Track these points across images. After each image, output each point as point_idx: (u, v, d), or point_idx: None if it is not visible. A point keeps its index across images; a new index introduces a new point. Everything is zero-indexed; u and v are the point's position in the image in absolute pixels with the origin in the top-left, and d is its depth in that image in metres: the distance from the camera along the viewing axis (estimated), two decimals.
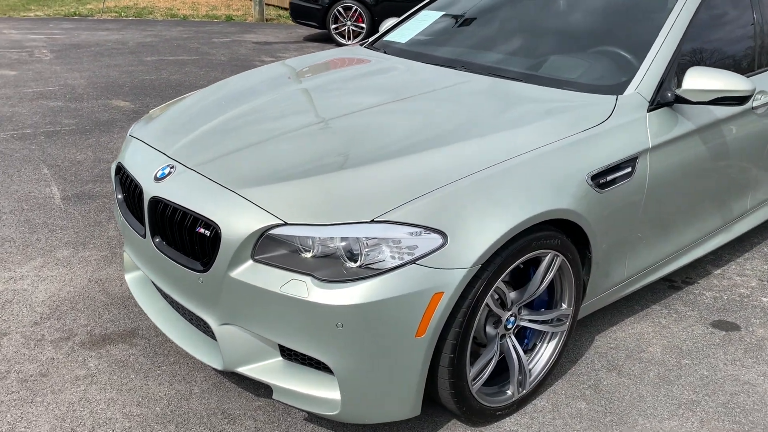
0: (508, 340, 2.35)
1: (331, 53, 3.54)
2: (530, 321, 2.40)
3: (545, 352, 2.50)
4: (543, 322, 2.44)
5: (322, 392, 2.06)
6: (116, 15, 12.89)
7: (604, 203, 2.39)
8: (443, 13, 3.60)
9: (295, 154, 2.28)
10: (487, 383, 2.36)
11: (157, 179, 2.29)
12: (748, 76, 3.09)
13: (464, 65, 3.01)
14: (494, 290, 2.16)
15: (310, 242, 1.96)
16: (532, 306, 2.44)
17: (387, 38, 3.63)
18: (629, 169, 2.47)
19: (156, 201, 2.26)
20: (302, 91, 2.91)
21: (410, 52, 3.33)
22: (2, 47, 9.17)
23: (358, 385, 2.01)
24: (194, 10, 13.97)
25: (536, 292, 2.32)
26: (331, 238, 1.94)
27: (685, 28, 2.78)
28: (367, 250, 1.93)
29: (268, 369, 2.15)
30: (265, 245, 2.01)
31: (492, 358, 2.27)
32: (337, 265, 1.95)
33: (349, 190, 2.05)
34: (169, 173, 2.28)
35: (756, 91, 2.60)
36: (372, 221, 1.95)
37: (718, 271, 3.53)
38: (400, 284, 1.91)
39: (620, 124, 2.49)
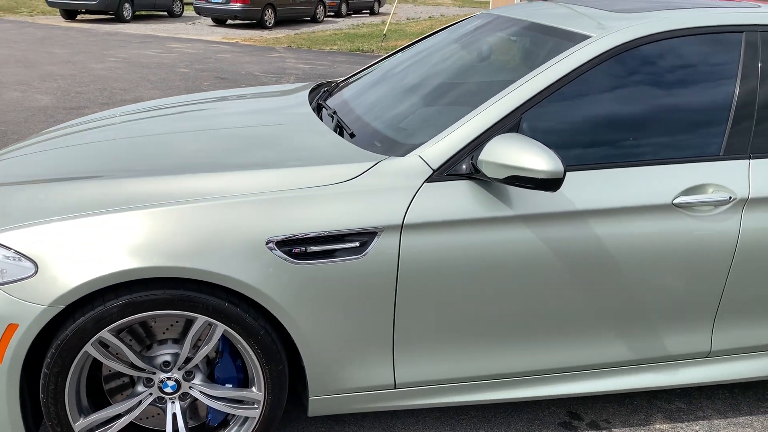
0: (170, 405, 2.10)
1: (270, 88, 3.50)
2: (201, 393, 2.10)
3: None
4: (223, 400, 2.11)
5: None
6: (386, 51, 14.01)
7: (306, 279, 1.99)
8: (391, 53, 3.29)
9: (53, 162, 2.36)
10: None
11: None
12: (693, 163, 2.24)
13: (334, 112, 2.71)
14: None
15: None
16: (213, 377, 2.14)
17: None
18: (356, 244, 2.00)
19: None
20: (158, 110, 3.01)
21: (327, 93, 3.12)
22: (267, 72, 10.72)
23: None
24: None
25: (193, 360, 2.04)
26: None
27: (530, 97, 2.15)
28: None
29: None
30: None
31: (123, 415, 2.06)
32: None
33: (11, 204, 2.07)
34: None
35: (575, 175, 1.89)
36: None
37: (665, 426, 2.55)
38: None
39: (363, 189, 2.04)
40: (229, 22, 19.48)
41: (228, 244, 1.93)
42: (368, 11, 25.47)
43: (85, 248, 1.88)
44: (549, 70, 2.20)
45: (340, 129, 2.50)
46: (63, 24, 16.98)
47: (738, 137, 2.29)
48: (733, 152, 2.29)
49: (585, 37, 2.30)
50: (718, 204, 2.23)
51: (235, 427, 2.18)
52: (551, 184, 1.94)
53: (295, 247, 1.97)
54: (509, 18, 2.89)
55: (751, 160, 2.29)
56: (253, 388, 2.11)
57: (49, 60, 10.89)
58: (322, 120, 2.64)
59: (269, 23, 18.92)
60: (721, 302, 2.34)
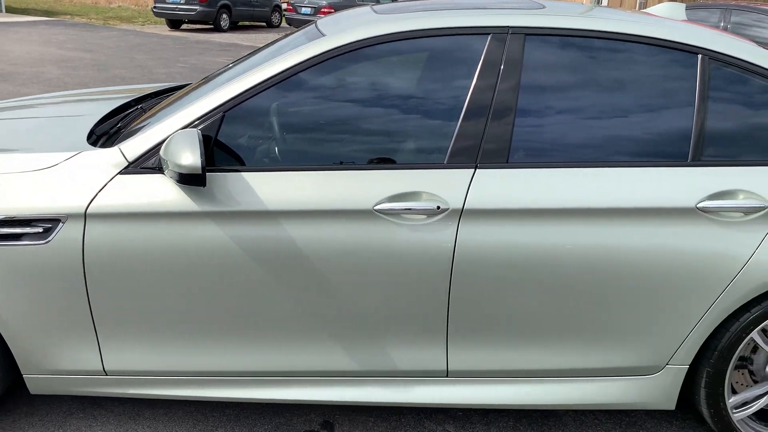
0: None
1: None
2: None
3: None
4: None
5: None
6: None
7: None
8: None
9: None
10: None
11: None
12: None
13: (138, 107, 2.83)
14: None
15: None
16: None
17: None
18: (40, 230, 2.09)
19: None
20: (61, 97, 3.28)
21: (174, 90, 3.23)
22: None
23: None
24: None
25: None
26: None
27: (232, 97, 2.17)
28: None
29: None
30: None
31: None
32: None
33: None
34: None
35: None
36: None
37: None
38: None
39: (55, 177, 2.13)
40: None
41: None
42: None
43: None
44: (260, 70, 2.20)
45: (114, 124, 2.60)
46: (164, 33, 18.24)
47: (464, 145, 2.16)
48: (459, 161, 2.15)
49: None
50: (430, 213, 2.12)
51: None
52: (192, 179, 1.96)
53: None
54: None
55: (477, 170, 2.15)
56: None
57: (124, 64, 11.77)
58: (114, 113, 2.77)
59: None
60: (450, 320, 2.21)
